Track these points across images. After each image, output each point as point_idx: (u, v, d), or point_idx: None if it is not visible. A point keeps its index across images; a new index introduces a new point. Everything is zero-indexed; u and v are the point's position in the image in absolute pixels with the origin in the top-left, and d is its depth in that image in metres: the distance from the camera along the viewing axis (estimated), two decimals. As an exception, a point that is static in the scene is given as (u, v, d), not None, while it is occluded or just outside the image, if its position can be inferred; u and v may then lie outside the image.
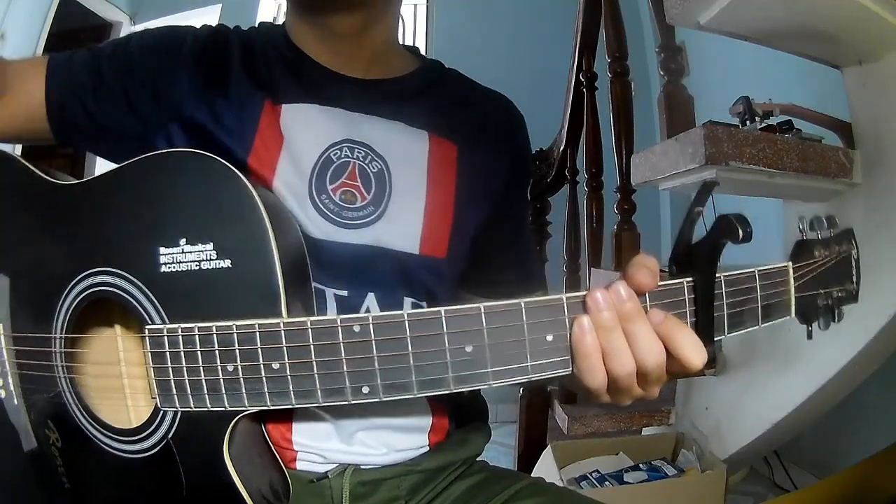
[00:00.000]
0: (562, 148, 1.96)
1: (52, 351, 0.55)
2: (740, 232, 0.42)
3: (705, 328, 0.45)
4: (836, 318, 0.52)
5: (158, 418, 0.51)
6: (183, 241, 0.48)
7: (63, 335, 0.55)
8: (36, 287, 0.57)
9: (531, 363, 0.44)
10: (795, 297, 0.48)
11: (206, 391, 0.47)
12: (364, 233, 0.61)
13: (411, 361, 0.44)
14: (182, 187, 0.50)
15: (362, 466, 0.62)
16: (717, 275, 0.46)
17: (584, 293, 0.44)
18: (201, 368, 0.47)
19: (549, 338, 0.44)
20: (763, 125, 1.38)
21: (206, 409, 0.47)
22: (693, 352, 0.43)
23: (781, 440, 1.65)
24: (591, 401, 0.48)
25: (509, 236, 0.74)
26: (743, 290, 0.46)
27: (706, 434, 1.64)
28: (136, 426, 0.52)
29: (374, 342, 0.44)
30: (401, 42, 0.76)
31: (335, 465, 0.61)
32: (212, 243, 0.47)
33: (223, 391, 0.47)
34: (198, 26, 0.69)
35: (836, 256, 0.51)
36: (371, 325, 0.44)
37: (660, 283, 0.44)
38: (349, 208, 0.61)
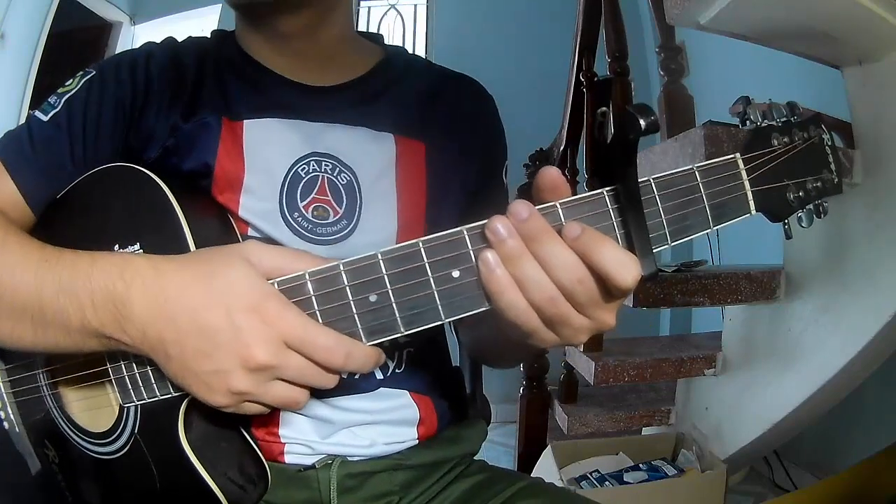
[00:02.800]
0: (562, 148, 1.95)
1: (36, 372, 0.58)
2: (642, 122, 0.37)
3: (638, 237, 0.40)
4: (820, 213, 0.46)
5: (125, 416, 0.53)
6: (116, 246, 0.52)
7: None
8: None
9: (441, 304, 0.42)
10: (753, 192, 0.43)
11: (153, 380, 0.49)
12: (339, 248, 0.61)
13: (319, 319, 0.44)
14: (111, 199, 0.55)
15: (349, 458, 0.62)
16: (647, 178, 0.42)
17: (486, 221, 0.40)
18: (145, 360, 0.48)
19: (456, 274, 0.41)
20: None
21: (156, 399, 0.49)
22: (617, 266, 0.38)
23: (781, 440, 1.65)
24: (538, 342, 0.43)
25: None
26: (681, 192, 0.42)
27: (706, 434, 1.63)
28: (108, 428, 0.54)
29: None
30: (364, 31, 0.75)
31: (322, 457, 0.62)
32: (139, 243, 0.51)
33: (168, 379, 0.48)
34: (154, 47, 0.65)
35: (801, 143, 0.45)
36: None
37: (579, 196, 0.41)
38: (322, 224, 0.61)
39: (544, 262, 0.40)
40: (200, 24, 2.95)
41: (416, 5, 3.40)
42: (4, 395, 0.60)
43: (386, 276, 0.42)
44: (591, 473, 1.56)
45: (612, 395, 1.86)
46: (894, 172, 1.23)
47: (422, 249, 0.42)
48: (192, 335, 0.42)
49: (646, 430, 1.89)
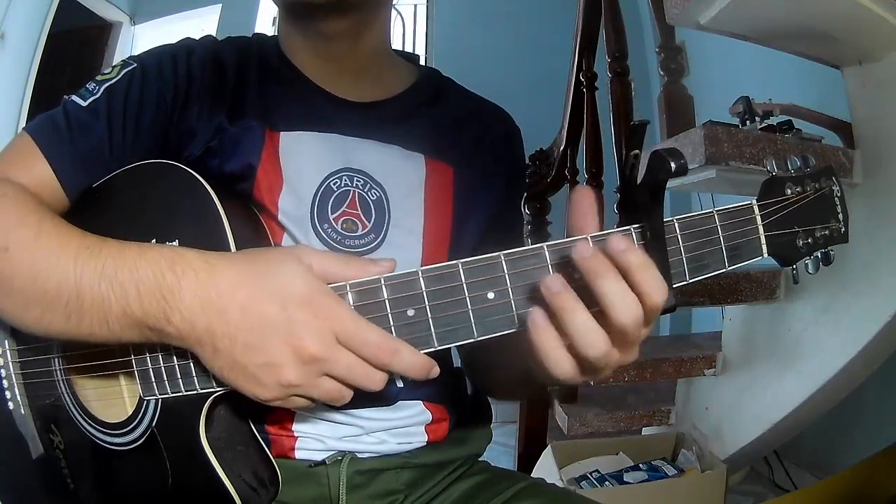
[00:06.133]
0: (562, 148, 1.95)
1: (51, 357, 0.58)
2: (672, 164, 0.40)
3: (662, 272, 0.43)
4: (828, 261, 0.49)
5: (143, 408, 0.53)
6: (153, 240, 0.51)
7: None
8: None
9: (475, 323, 0.44)
10: (766, 237, 0.46)
11: (179, 376, 0.49)
12: None
13: None
14: (151, 194, 0.55)
15: (359, 455, 0.63)
16: (671, 218, 0.44)
17: (523, 248, 0.43)
18: (174, 354, 0.49)
19: (491, 296, 0.44)
20: (763, 125, 1.38)
21: (181, 395, 0.50)
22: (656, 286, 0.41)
23: (781, 440, 1.65)
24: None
25: (507, 247, 0.74)
26: (702, 233, 0.45)
27: (706, 434, 1.64)
28: (124, 419, 0.55)
29: None
30: (399, 48, 0.76)
31: (333, 452, 0.62)
32: (177, 240, 0.51)
33: (194, 375, 0.49)
34: (194, 44, 0.65)
35: (812, 193, 0.48)
36: None
37: (607, 231, 0.44)
38: (351, 236, 0.62)
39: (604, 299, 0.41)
40: (200, 24, 2.94)
41: (416, 5, 3.40)
42: (13, 375, 0.60)
43: (424, 293, 0.44)
44: (591, 473, 1.56)
45: (612, 395, 1.86)
46: (894, 172, 1.23)
47: (461, 270, 0.44)
48: (244, 328, 0.43)
49: (646, 430, 1.88)
